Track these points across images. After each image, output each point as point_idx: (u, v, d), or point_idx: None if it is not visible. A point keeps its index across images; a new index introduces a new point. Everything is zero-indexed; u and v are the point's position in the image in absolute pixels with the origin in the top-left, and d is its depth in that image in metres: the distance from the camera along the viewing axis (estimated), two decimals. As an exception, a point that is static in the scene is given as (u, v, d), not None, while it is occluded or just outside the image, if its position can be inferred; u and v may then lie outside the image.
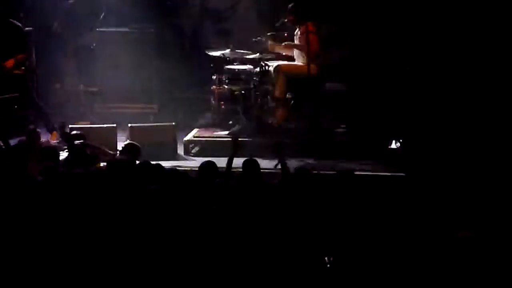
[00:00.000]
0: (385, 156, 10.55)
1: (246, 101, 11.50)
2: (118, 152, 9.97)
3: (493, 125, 10.84)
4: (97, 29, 12.87)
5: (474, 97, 11.11)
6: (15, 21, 11.64)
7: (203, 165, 8.07)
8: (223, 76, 11.70)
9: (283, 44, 11.64)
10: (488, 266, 5.93)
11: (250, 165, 8.28)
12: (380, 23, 11.77)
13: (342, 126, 11.51)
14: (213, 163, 8.10)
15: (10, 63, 11.47)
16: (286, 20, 11.54)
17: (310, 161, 10.62)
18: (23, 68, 11.61)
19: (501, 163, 9.87)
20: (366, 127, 10.88)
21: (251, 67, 11.63)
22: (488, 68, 11.18)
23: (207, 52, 11.97)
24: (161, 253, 6.26)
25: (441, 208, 6.88)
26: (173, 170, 8.06)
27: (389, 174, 9.97)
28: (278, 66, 11.45)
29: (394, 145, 10.86)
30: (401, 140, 10.74)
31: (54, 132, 11.60)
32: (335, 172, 8.31)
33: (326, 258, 6.16)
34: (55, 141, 11.47)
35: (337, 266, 6.14)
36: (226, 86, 11.65)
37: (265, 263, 6.11)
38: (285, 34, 11.90)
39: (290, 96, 11.67)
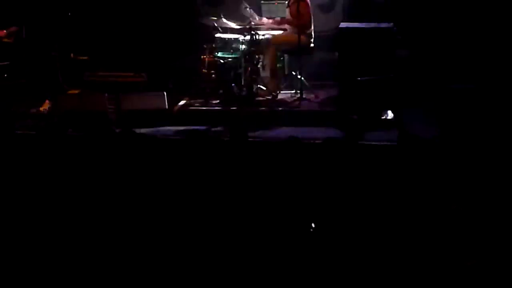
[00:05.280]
0: (377, 125, 10.54)
1: (237, 70, 11.47)
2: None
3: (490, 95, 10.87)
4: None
5: (471, 62, 11.14)
6: None
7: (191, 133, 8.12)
8: (214, 45, 11.65)
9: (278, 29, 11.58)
10: (481, 239, 5.96)
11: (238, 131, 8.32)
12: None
13: (334, 95, 11.50)
14: (200, 131, 8.16)
15: (1, 33, 11.40)
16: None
17: (302, 130, 10.62)
18: (13, 36, 11.55)
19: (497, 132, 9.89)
20: (359, 96, 10.85)
21: (242, 36, 11.58)
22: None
23: (197, 20, 11.92)
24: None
25: (432, 179, 6.89)
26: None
27: (382, 143, 9.98)
28: (268, 38, 11.39)
29: (389, 115, 10.86)
30: (395, 110, 10.74)
31: (47, 101, 11.57)
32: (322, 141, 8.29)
33: (312, 224, 6.20)
34: (46, 109, 11.46)
35: (321, 231, 6.19)
36: (216, 55, 11.60)
37: (252, 228, 6.15)
38: (275, 3, 11.85)
39: (280, 66, 11.66)
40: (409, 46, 11.27)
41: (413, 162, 7.23)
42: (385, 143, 9.87)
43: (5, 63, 11.58)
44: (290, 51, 11.46)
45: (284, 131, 10.51)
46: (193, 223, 6.24)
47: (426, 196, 6.58)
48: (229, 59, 11.52)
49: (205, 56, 11.76)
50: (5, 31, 11.45)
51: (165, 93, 11.39)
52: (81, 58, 13.01)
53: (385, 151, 9.37)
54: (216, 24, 11.65)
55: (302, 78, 11.32)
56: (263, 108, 11.17)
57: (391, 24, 11.10)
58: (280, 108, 11.18)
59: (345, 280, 5.95)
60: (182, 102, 11.60)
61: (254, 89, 11.41)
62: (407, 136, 7.97)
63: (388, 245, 6.10)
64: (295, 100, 11.34)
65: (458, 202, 6.41)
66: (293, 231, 6.17)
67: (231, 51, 11.51)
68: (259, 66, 11.50)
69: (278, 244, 6.05)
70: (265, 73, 11.52)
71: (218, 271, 5.93)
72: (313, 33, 11.49)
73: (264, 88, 11.50)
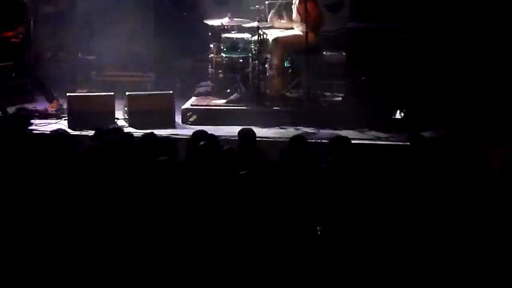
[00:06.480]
0: (387, 125, 10.51)
1: (244, 70, 11.46)
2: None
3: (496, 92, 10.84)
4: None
5: (477, 62, 11.08)
6: None
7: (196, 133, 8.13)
8: (221, 45, 11.64)
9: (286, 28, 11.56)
10: (488, 240, 5.93)
11: (246, 134, 8.29)
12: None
13: (341, 95, 11.47)
14: (203, 131, 8.18)
15: (9, 34, 11.40)
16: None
17: (309, 130, 10.61)
18: (21, 36, 11.55)
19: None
20: (367, 96, 10.83)
21: (249, 35, 11.57)
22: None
23: (205, 20, 11.92)
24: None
25: (442, 180, 6.86)
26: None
27: (391, 143, 9.95)
28: (276, 38, 11.37)
29: (398, 114, 10.83)
30: (404, 109, 10.70)
31: (54, 101, 11.58)
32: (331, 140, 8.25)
33: (318, 228, 6.17)
34: (53, 110, 11.48)
35: (328, 235, 6.16)
36: (223, 55, 11.59)
37: (258, 232, 6.13)
38: (282, 3, 11.83)
39: (288, 65, 11.64)
40: (416, 45, 11.22)
41: (423, 161, 7.21)
42: (396, 142, 9.88)
43: (11, 63, 11.60)
44: (298, 50, 11.43)
45: (291, 131, 10.51)
46: (198, 225, 6.22)
47: (436, 195, 6.56)
48: (237, 59, 11.50)
49: (212, 56, 11.76)
50: (12, 32, 11.42)
51: (171, 92, 11.42)
52: (88, 58, 13.05)
53: (396, 151, 9.37)
54: (223, 23, 11.64)
55: (310, 77, 11.30)
56: (271, 108, 11.15)
57: (399, 24, 11.08)
58: (288, 108, 11.16)
59: (355, 282, 5.94)
60: (189, 102, 11.60)
61: (261, 89, 11.39)
62: (417, 136, 7.93)
63: (398, 244, 6.08)
64: (302, 99, 11.31)
65: (468, 200, 6.39)
66: (300, 234, 6.14)
67: (239, 50, 11.50)
68: (266, 65, 11.48)
69: (284, 247, 6.03)
70: (272, 73, 11.49)
71: (222, 275, 5.91)
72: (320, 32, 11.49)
73: (272, 88, 11.47)
